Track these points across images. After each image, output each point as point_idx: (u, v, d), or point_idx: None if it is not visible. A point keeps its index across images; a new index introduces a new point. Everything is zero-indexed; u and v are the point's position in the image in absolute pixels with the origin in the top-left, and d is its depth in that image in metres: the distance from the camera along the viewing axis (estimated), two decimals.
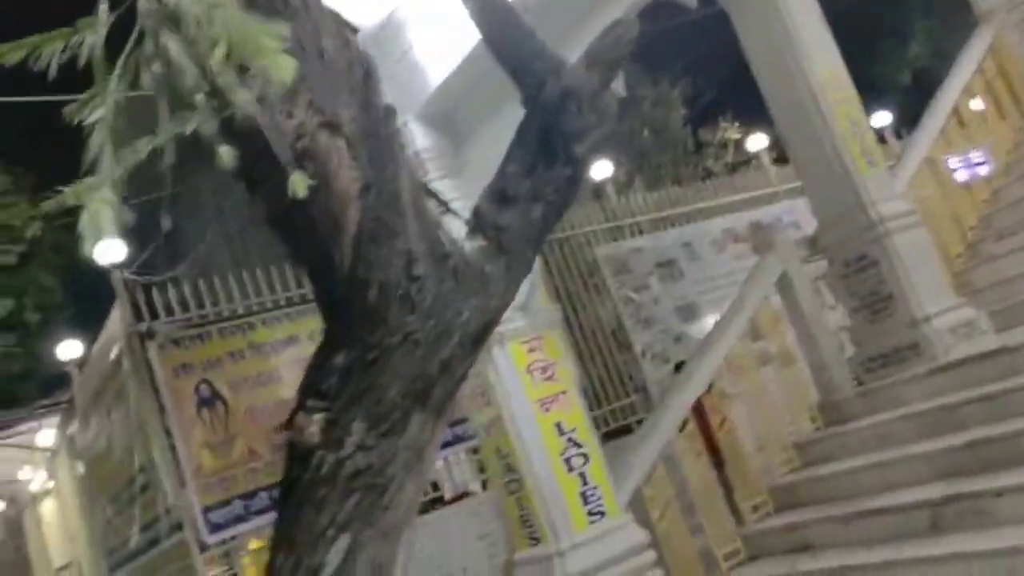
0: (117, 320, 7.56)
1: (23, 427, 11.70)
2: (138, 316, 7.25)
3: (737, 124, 15.63)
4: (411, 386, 2.34)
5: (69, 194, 2.46)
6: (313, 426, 2.35)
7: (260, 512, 7.13)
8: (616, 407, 9.11)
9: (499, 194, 2.55)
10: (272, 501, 7.20)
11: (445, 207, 2.51)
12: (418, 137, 4.34)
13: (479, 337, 2.46)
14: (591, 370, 9.18)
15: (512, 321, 4.41)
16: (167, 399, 7.07)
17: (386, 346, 2.31)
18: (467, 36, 3.75)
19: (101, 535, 9.69)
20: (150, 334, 7.20)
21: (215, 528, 6.93)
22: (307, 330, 7.83)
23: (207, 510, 6.93)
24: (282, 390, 7.53)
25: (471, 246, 2.47)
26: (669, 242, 10.22)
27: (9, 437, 11.94)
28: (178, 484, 6.90)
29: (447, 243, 2.42)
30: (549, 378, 4.63)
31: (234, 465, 7.15)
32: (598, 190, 10.69)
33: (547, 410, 4.59)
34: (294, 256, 2.50)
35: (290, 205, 2.25)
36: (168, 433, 7.00)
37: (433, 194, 2.52)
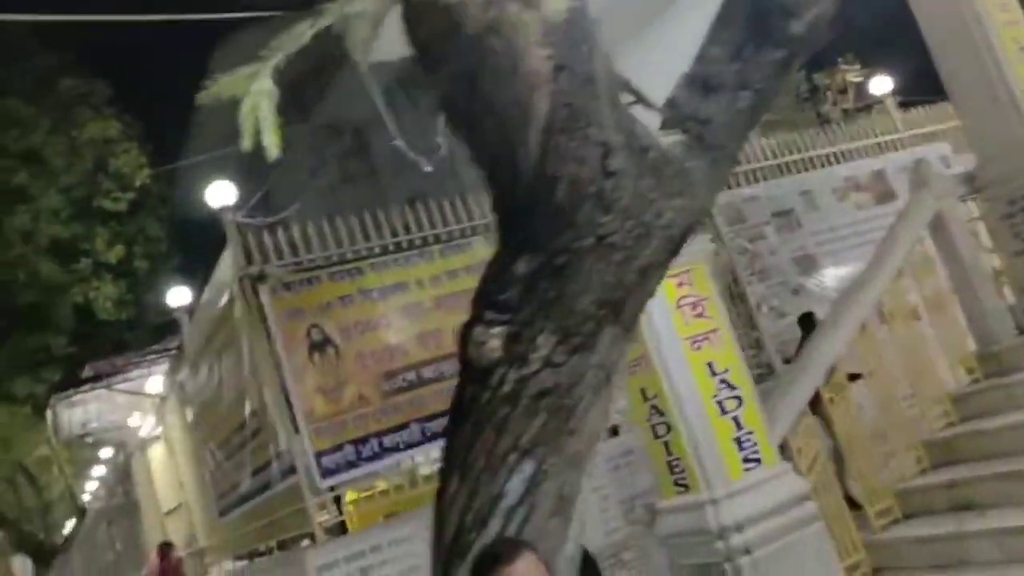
0: (228, 264, 7.52)
1: (133, 374, 11.99)
2: (249, 260, 7.19)
3: (859, 66, 14.77)
4: (606, 295, 2.06)
5: (226, 84, 2.23)
6: (493, 340, 2.09)
7: (370, 459, 7.04)
8: None
9: (700, 82, 2.23)
10: (381, 448, 7.11)
11: (637, 96, 2.20)
12: None
13: (679, 243, 2.17)
14: None
15: None
16: (279, 343, 7.01)
17: (577, 250, 2.04)
18: None
19: (210, 480, 9.84)
20: (262, 277, 7.13)
21: (327, 473, 6.87)
22: (415, 277, 7.69)
23: (319, 455, 6.87)
24: (390, 336, 7.40)
25: (669, 141, 2.17)
26: (786, 190, 9.71)
27: (119, 384, 12.27)
28: (291, 428, 6.85)
29: (644, 135, 2.12)
30: (699, 315, 4.31)
31: (345, 411, 7.06)
32: None
33: (698, 348, 4.27)
34: (472, 153, 2.24)
35: (473, 91, 2.00)
36: (281, 377, 6.95)
37: (623, 81, 2.21)
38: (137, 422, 13.68)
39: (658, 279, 2.18)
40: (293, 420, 6.87)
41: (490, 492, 2.14)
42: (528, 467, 2.10)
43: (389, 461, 7.27)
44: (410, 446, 7.23)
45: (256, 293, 7.09)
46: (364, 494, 8.41)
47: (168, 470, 12.80)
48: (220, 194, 7.48)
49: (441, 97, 2.14)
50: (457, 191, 8.09)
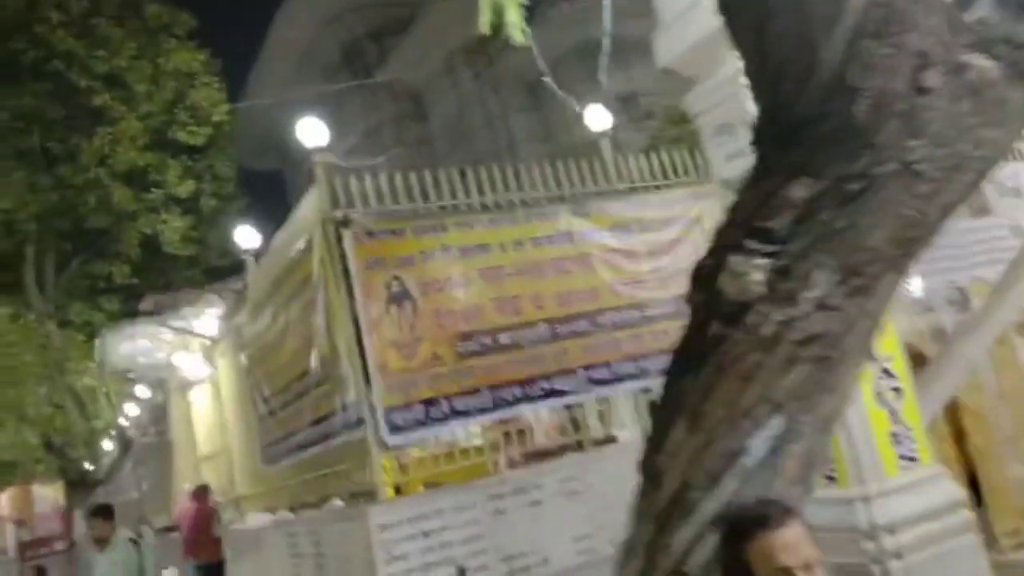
0: (311, 206, 7.31)
1: (185, 311, 11.86)
2: (335, 204, 6.98)
3: None
4: (902, 232, 1.77)
5: None
6: (755, 272, 1.80)
7: (439, 420, 6.82)
8: None
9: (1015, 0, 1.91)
10: (452, 411, 6.88)
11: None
12: None
13: (982, 179, 1.86)
14: None
15: None
16: (358, 292, 6.80)
17: (875, 176, 1.74)
18: None
19: (258, 427, 9.67)
20: (346, 222, 6.91)
21: (394, 429, 6.66)
22: (498, 239, 7.43)
23: (388, 411, 6.66)
24: (469, 297, 7.16)
25: (982, 64, 1.85)
26: None
27: (172, 321, 12.15)
28: (363, 381, 6.64)
29: (962, 50, 1.81)
30: None
31: (418, 368, 6.84)
32: None
33: None
34: (751, 61, 1.95)
35: None
36: (356, 327, 6.74)
37: None
38: (182, 362, 13.59)
39: (949, 221, 1.89)
40: (364, 372, 6.66)
41: (727, 447, 1.86)
42: (777, 423, 1.82)
43: (457, 424, 7.05)
44: (481, 411, 7.00)
45: (339, 238, 6.88)
46: (418, 455, 8.22)
47: (210, 414, 12.70)
48: (312, 132, 7.27)
49: None
50: (511, 165, 7.84)
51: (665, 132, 9.70)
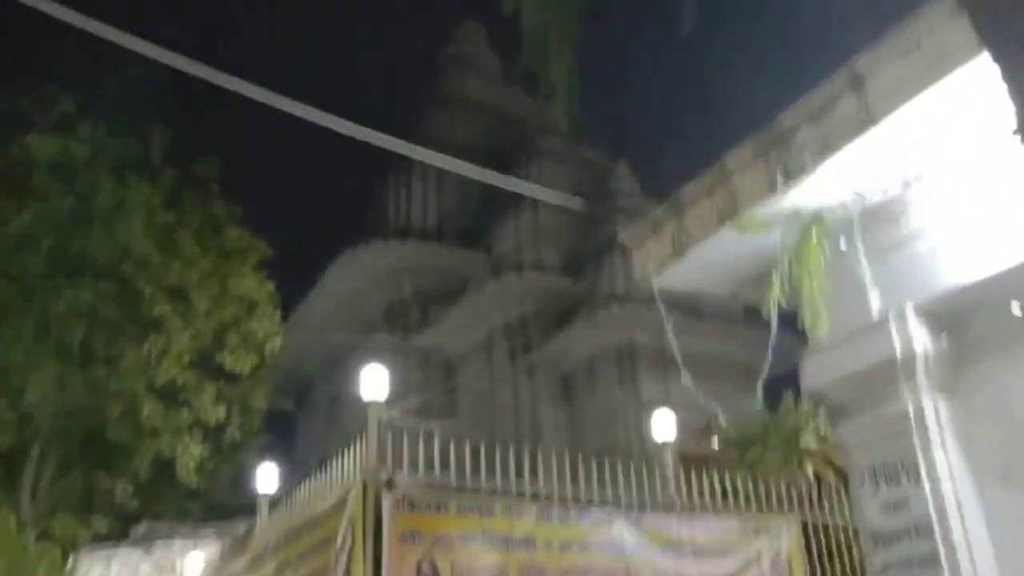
0: (354, 461, 6.78)
1: (176, 543, 10.90)
2: (382, 463, 6.46)
3: None
4: None
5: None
6: None
7: None
8: None
9: None
10: None
11: None
12: (916, 333, 3.44)
13: None
14: None
15: None
16: (387, 566, 6.09)
17: None
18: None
19: None
20: (390, 485, 6.35)
21: None
22: (546, 536, 6.77)
23: None
24: None
25: None
26: None
27: (154, 550, 11.15)
28: None
29: None
30: None
31: None
32: None
33: None
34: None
35: None
36: None
37: None
38: None
39: None
40: None
41: None
42: None
43: None
44: None
45: (378, 501, 6.28)
46: None
47: None
48: (374, 382, 6.90)
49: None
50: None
51: (725, 453, 9.27)
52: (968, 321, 3.38)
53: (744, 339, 19.73)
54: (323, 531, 6.99)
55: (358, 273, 28.30)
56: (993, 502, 3.16)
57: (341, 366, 30.88)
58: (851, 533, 8.00)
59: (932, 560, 3.14)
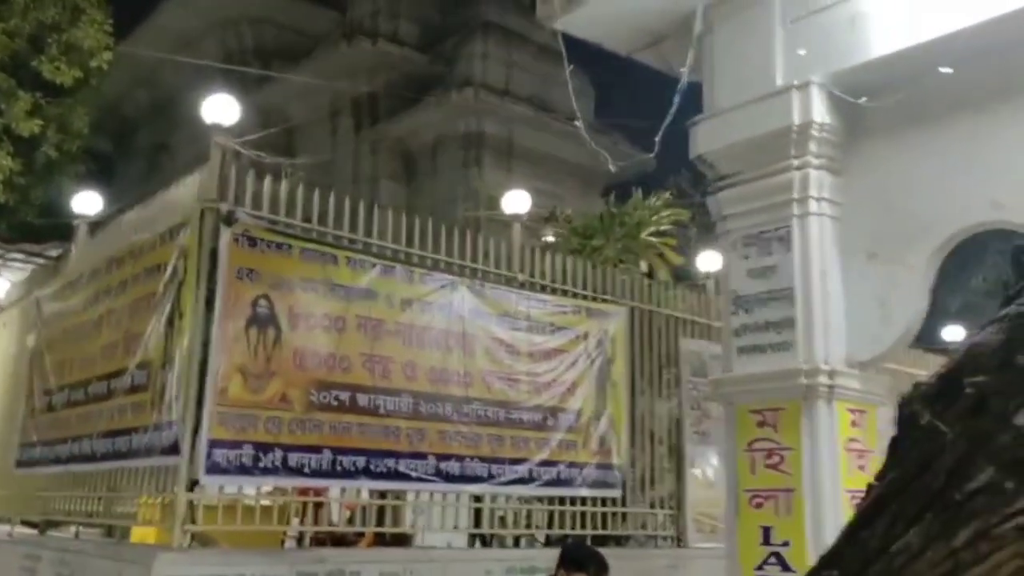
0: (190, 189, 6.32)
1: None
2: (222, 194, 6.05)
3: None
4: None
5: None
6: None
7: (267, 471, 5.85)
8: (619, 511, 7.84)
9: None
10: (284, 464, 5.89)
11: None
12: (816, 105, 3.38)
13: None
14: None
15: (847, 376, 3.37)
16: (220, 301, 5.82)
17: None
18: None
19: (25, 420, 8.13)
20: (229, 219, 5.98)
21: (213, 468, 5.62)
22: (387, 290, 6.68)
23: (214, 444, 5.63)
24: (340, 343, 6.32)
25: None
26: None
27: None
28: (194, 402, 5.60)
29: None
30: (862, 467, 3.56)
31: (260, 405, 5.88)
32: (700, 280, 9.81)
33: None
34: None
35: None
36: (205, 340, 5.74)
37: None
38: None
39: None
40: (199, 393, 5.62)
41: None
42: None
43: (285, 481, 6.09)
44: (316, 474, 6.07)
45: (215, 234, 5.92)
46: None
47: None
48: (219, 109, 6.34)
49: None
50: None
51: (568, 241, 9.42)
52: (870, 98, 3.36)
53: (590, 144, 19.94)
54: (151, 259, 6.59)
55: (194, 14, 25.99)
56: (856, 276, 3.29)
57: (167, 115, 28.94)
58: (674, 322, 8.57)
59: (788, 323, 3.27)
